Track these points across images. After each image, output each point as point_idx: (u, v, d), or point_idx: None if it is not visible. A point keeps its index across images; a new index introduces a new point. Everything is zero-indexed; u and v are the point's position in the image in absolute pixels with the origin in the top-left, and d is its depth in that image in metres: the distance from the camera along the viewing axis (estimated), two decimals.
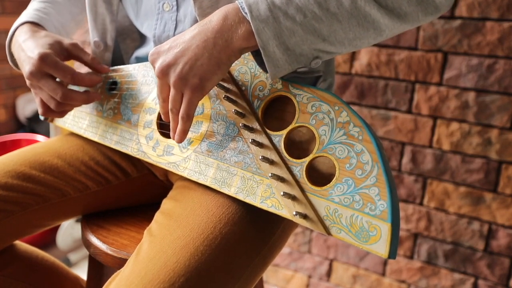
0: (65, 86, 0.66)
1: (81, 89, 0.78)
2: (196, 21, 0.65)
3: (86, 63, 0.72)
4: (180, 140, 0.57)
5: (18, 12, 1.98)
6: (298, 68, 0.54)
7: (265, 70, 0.55)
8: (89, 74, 0.68)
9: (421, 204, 1.19)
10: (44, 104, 0.70)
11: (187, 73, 0.52)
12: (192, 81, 0.52)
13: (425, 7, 0.53)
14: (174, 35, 0.67)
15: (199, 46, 0.52)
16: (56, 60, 0.65)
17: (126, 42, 0.79)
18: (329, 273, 1.37)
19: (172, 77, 0.53)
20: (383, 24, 0.53)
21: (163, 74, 0.54)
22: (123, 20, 0.78)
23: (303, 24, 0.51)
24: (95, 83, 0.69)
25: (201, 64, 0.52)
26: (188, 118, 0.55)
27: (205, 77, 0.53)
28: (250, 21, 0.50)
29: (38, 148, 0.75)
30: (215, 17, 0.52)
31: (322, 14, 0.51)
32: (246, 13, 0.51)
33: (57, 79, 0.67)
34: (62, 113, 0.71)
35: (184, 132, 0.56)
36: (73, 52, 0.70)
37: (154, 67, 0.55)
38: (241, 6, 0.51)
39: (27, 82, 0.67)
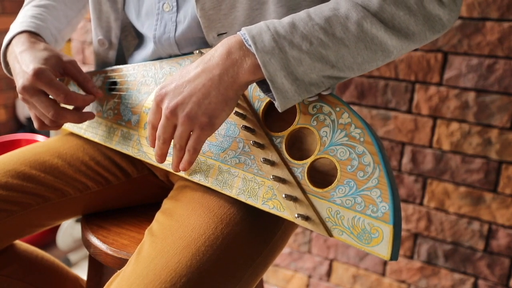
0: (57, 104, 0.65)
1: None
2: (196, 22, 0.64)
3: (80, 84, 0.70)
4: (185, 169, 0.58)
5: (18, 12, 1.97)
6: (308, 98, 0.53)
7: (272, 98, 0.53)
8: (83, 94, 0.67)
9: (421, 204, 1.19)
10: (38, 119, 0.69)
11: (196, 113, 0.52)
12: (201, 120, 0.52)
13: (432, 25, 0.52)
14: (174, 36, 0.67)
15: (206, 85, 0.51)
16: (51, 78, 0.63)
17: (128, 39, 0.79)
18: (329, 273, 1.37)
19: (181, 117, 0.53)
20: (391, 46, 0.52)
21: (172, 114, 0.53)
22: (124, 16, 0.78)
23: (309, 52, 0.49)
24: (87, 103, 0.68)
25: (209, 102, 0.52)
26: (195, 152, 0.55)
27: (214, 115, 0.52)
28: (255, 54, 0.49)
29: (38, 148, 0.75)
30: (218, 53, 0.52)
31: (328, 40, 0.50)
32: (250, 45, 0.50)
33: (50, 96, 0.65)
34: (57, 127, 0.70)
35: (190, 163, 0.57)
36: (69, 70, 0.69)
37: (161, 108, 0.55)
38: (244, 39, 0.50)
39: (20, 96, 0.66)
